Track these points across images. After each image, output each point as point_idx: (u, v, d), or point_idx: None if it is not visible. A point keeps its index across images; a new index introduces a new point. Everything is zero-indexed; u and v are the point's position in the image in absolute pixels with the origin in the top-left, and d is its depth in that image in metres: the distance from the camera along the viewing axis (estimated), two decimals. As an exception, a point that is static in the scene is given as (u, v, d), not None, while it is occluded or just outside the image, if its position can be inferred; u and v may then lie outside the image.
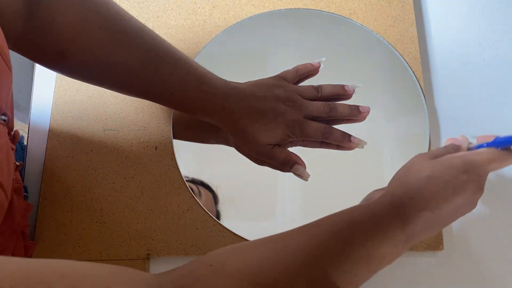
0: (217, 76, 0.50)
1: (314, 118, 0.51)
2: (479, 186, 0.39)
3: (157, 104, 0.57)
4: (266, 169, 0.53)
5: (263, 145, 0.50)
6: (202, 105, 0.48)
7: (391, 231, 0.36)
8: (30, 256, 0.50)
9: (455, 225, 0.53)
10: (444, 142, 0.49)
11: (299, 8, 0.62)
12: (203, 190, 0.54)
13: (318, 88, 0.53)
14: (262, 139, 0.49)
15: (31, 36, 0.42)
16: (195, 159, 0.56)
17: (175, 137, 0.56)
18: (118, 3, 0.62)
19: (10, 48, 0.42)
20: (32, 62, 0.54)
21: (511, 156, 0.41)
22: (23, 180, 0.56)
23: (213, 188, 0.55)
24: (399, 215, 0.37)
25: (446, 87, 0.59)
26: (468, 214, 0.53)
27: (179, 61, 0.47)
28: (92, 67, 0.45)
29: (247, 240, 0.52)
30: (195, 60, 0.59)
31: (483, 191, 0.40)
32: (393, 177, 0.42)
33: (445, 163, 0.39)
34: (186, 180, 0.54)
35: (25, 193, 0.54)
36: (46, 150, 0.56)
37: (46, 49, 0.43)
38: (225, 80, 0.50)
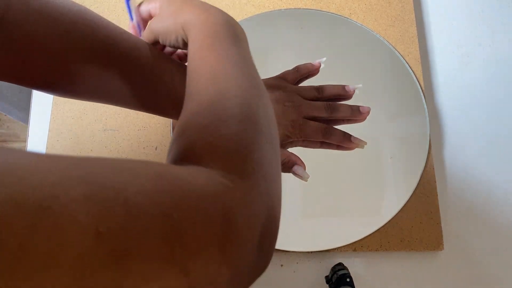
0: None
1: (314, 118, 0.51)
2: None
3: (157, 104, 0.57)
4: (266, 169, 0.53)
5: (263, 145, 0.50)
6: None
7: None
8: None
9: (455, 225, 0.53)
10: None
11: (299, 8, 0.62)
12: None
13: (318, 89, 0.53)
14: (262, 140, 0.49)
15: (10, 69, 0.37)
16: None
17: None
18: (117, 3, 0.62)
19: None
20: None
21: None
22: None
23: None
24: None
25: (446, 87, 0.59)
26: (468, 214, 0.54)
27: (177, 70, 0.46)
28: (86, 94, 0.43)
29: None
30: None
31: None
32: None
33: None
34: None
35: None
36: (46, 150, 0.56)
37: (30, 81, 0.39)
38: None
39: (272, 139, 0.28)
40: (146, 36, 0.43)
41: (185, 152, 0.25)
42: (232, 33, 0.34)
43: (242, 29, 0.37)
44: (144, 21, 0.44)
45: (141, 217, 0.18)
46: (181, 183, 0.21)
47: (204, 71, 0.31)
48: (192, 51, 0.34)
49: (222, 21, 0.35)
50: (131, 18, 0.43)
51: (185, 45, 0.39)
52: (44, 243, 0.14)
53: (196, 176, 0.22)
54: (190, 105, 0.28)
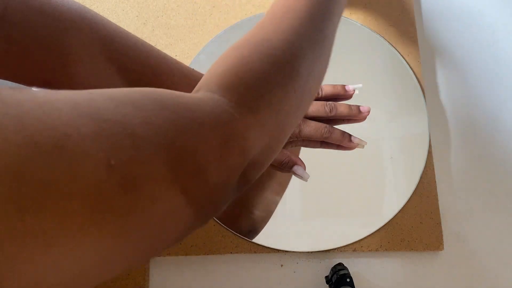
0: None
1: (314, 118, 0.51)
2: None
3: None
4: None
5: (262, 145, 0.50)
6: None
7: None
8: None
9: (455, 225, 0.53)
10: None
11: (299, 8, 0.62)
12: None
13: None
14: (261, 140, 0.49)
15: (9, 67, 0.37)
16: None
17: None
18: (117, 4, 0.62)
19: None
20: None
21: None
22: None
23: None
24: None
25: (446, 87, 0.59)
26: (468, 214, 0.54)
27: (177, 70, 0.46)
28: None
29: (246, 239, 0.52)
30: (196, 59, 0.59)
31: None
32: None
33: None
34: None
35: None
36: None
37: (29, 79, 0.39)
38: None
39: (303, 92, 0.29)
40: None
41: (212, 77, 0.26)
42: None
43: None
44: None
45: (147, 147, 0.19)
46: (183, 112, 0.22)
47: (278, 7, 0.31)
48: None
49: None
50: None
51: None
52: (63, 177, 0.16)
53: (203, 104, 0.24)
54: (248, 33, 0.29)
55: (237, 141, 0.24)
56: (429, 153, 0.55)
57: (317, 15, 0.31)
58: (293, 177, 0.52)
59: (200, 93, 0.25)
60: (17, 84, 0.39)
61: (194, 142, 0.22)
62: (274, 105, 0.26)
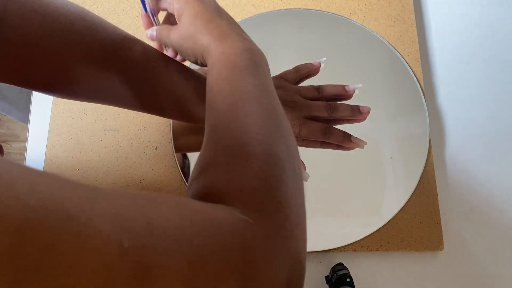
0: None
1: (314, 118, 0.51)
2: None
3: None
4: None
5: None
6: (202, 115, 0.47)
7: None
8: None
9: (455, 225, 0.53)
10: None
11: (299, 8, 0.62)
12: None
13: (318, 89, 0.53)
14: (262, 140, 0.49)
15: (8, 70, 0.37)
16: (195, 159, 0.56)
17: (176, 151, 0.56)
18: (117, 4, 0.62)
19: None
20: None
21: None
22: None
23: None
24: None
25: (446, 87, 0.59)
26: (468, 214, 0.54)
27: (176, 70, 0.45)
28: (84, 95, 0.43)
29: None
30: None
31: None
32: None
33: None
34: (186, 180, 0.54)
35: None
36: (46, 150, 0.56)
37: (29, 82, 0.39)
38: None
39: (295, 177, 0.27)
40: (163, 42, 0.42)
41: (205, 190, 0.25)
42: (250, 62, 0.33)
43: (261, 55, 0.35)
44: (158, 11, 0.44)
45: (164, 238, 0.18)
46: (200, 214, 0.21)
47: (222, 106, 0.30)
48: (210, 82, 0.33)
49: (240, 50, 0.34)
50: (144, 9, 0.42)
51: (203, 65, 0.39)
52: (68, 247, 0.15)
53: (215, 210, 0.22)
54: (210, 142, 0.28)
55: (260, 248, 0.21)
56: (429, 153, 0.55)
57: (262, 102, 0.30)
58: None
59: (205, 202, 0.23)
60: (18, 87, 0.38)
61: (212, 244, 0.20)
62: (281, 200, 0.24)
